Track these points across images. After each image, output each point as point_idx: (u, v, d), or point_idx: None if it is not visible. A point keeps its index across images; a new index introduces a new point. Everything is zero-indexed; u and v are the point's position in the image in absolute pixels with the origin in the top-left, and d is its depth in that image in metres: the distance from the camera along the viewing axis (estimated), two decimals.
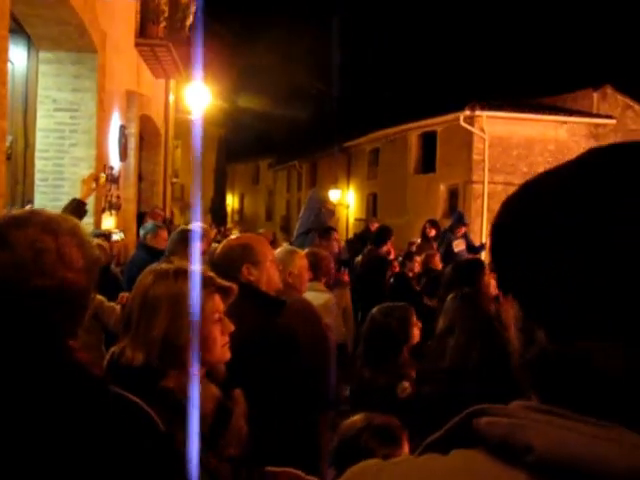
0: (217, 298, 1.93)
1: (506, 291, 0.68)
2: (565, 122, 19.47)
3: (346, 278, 6.46)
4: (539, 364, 0.63)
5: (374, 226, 10.57)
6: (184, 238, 4.26)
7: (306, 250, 4.54)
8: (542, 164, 19.18)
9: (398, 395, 3.36)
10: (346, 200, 27.26)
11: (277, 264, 3.22)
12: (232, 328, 1.98)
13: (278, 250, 4.00)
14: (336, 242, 7.19)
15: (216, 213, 36.59)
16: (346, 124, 29.57)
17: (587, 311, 0.59)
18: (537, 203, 0.68)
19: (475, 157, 19.15)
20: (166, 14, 12.37)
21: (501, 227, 0.70)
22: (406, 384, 3.38)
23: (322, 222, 6.86)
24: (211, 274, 1.94)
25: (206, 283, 1.88)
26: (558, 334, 0.61)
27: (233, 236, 3.38)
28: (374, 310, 3.69)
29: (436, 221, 9.86)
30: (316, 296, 4.27)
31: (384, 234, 8.04)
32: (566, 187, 0.67)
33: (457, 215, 9.72)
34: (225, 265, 2.87)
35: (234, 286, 2.01)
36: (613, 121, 19.83)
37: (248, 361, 2.72)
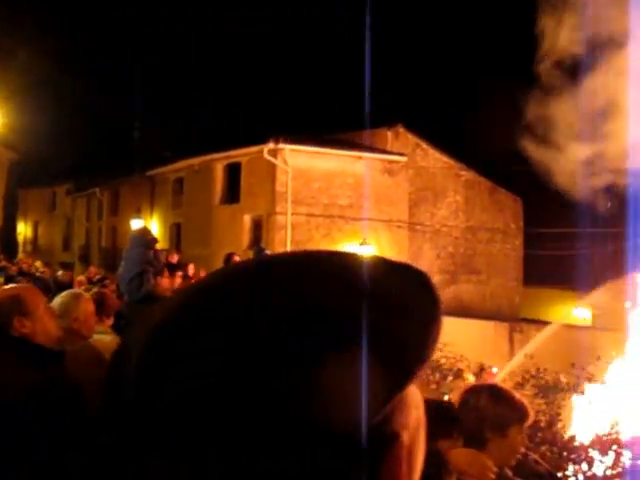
0: None
1: None
2: (362, 157, 20.54)
3: None
4: None
5: (173, 258, 10.27)
6: None
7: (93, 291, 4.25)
8: (341, 197, 20.17)
9: None
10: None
11: (52, 311, 3.05)
12: None
13: (62, 294, 3.80)
14: (168, 279, 7.28)
15: (5, 243, 33.73)
16: (150, 151, 28.85)
17: None
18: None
19: (278, 189, 19.53)
20: None
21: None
22: None
23: (158, 261, 6.73)
24: None
25: None
26: None
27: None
28: None
29: (234, 255, 9.80)
30: (98, 338, 4.02)
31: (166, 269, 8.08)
32: None
33: (257, 249, 9.76)
34: None
35: None
36: (404, 158, 21.32)
37: (28, 422, 2.54)
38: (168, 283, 7.18)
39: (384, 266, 0.61)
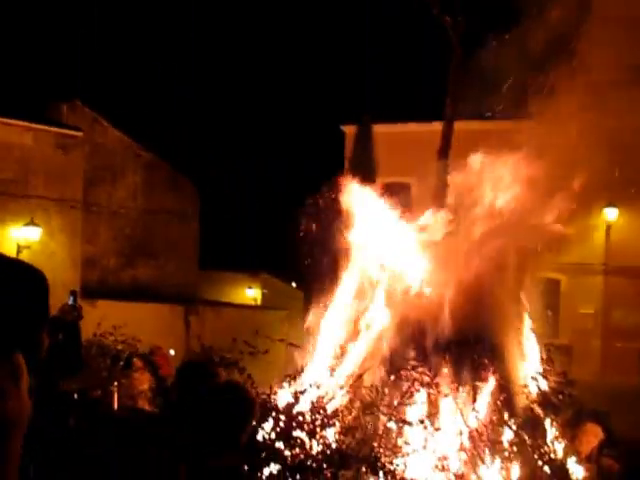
0: None
1: None
2: (31, 128, 18.98)
3: None
4: None
5: None
6: None
7: None
8: (6, 170, 18.48)
9: None
10: None
11: None
12: None
13: None
14: None
15: None
16: None
17: None
18: None
19: None
20: None
21: None
22: None
23: None
24: None
25: None
26: None
27: None
28: None
29: None
30: None
31: None
32: None
33: None
34: None
35: None
36: (80, 133, 20.23)
37: None
38: None
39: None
